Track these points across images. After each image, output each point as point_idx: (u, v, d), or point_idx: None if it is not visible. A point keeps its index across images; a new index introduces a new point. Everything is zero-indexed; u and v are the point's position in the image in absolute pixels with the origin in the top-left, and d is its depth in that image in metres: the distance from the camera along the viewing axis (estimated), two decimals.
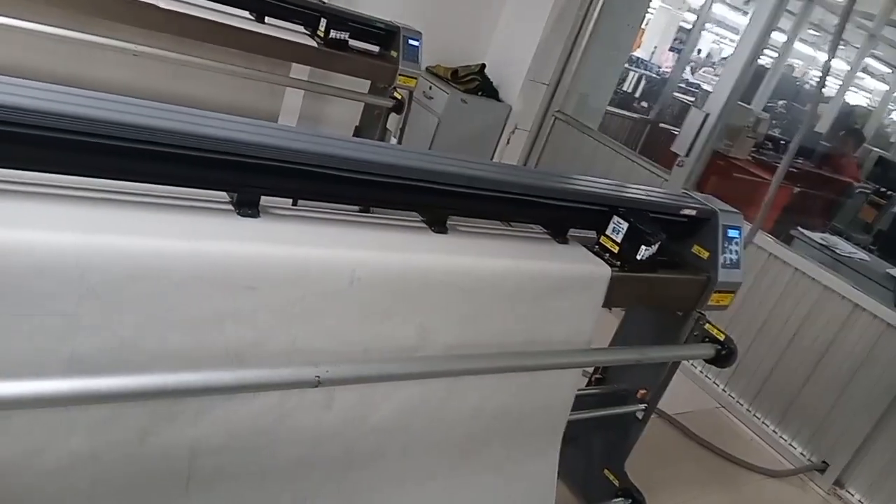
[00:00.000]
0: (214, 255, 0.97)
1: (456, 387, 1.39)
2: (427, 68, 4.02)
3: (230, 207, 1.09)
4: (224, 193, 1.11)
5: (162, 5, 2.34)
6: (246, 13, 2.63)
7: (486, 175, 1.33)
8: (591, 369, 2.13)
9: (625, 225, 1.50)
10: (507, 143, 4.21)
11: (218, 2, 2.53)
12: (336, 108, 3.67)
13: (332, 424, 1.22)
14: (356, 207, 1.41)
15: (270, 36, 2.61)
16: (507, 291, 1.33)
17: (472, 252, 1.30)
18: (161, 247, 0.93)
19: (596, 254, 1.52)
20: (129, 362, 0.94)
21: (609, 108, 4.94)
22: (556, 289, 1.41)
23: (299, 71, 3.06)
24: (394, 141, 3.16)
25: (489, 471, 1.57)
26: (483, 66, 4.10)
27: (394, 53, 2.93)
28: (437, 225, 1.32)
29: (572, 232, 1.57)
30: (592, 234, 1.59)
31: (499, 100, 4.13)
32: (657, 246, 1.51)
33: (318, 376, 0.98)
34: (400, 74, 2.93)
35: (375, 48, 2.98)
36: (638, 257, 1.49)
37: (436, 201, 1.30)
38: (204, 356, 1.01)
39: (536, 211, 1.48)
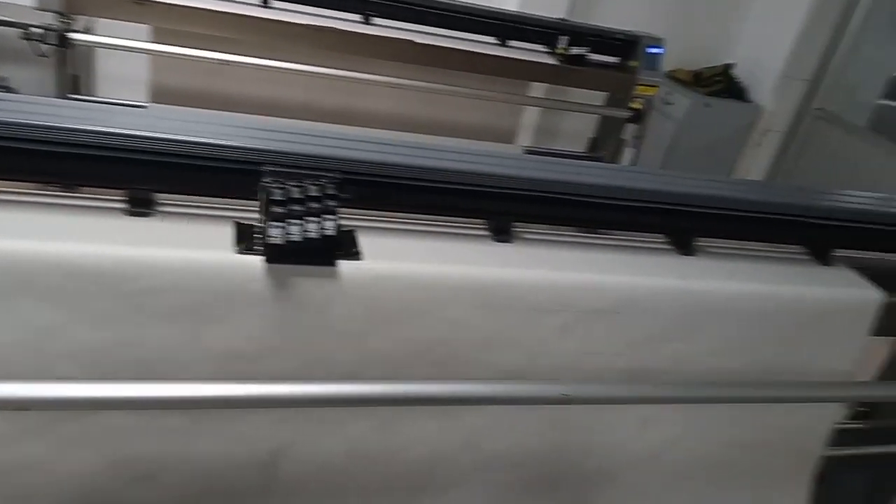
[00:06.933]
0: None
1: (694, 415, 1.36)
2: (666, 73, 3.90)
3: (487, 234, 1.20)
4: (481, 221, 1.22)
5: (417, 40, 2.60)
6: (492, 39, 2.80)
7: (743, 196, 1.29)
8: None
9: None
10: (759, 146, 3.91)
11: (466, 31, 2.74)
12: (571, 122, 3.73)
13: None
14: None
15: (511, 58, 2.75)
16: (761, 317, 1.27)
17: (723, 275, 1.27)
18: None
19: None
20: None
21: (885, 101, 4.32)
22: (816, 315, 1.32)
23: (538, 88, 3.17)
24: (629, 152, 3.13)
25: None
26: (728, 65, 3.86)
27: (633, 64, 2.90)
28: (684, 247, 1.31)
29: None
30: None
31: (747, 100, 3.86)
32: None
33: (566, 394, 1.04)
34: (639, 84, 2.90)
35: (615, 59, 2.98)
36: None
37: (684, 223, 1.29)
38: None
39: (795, 231, 1.38)
